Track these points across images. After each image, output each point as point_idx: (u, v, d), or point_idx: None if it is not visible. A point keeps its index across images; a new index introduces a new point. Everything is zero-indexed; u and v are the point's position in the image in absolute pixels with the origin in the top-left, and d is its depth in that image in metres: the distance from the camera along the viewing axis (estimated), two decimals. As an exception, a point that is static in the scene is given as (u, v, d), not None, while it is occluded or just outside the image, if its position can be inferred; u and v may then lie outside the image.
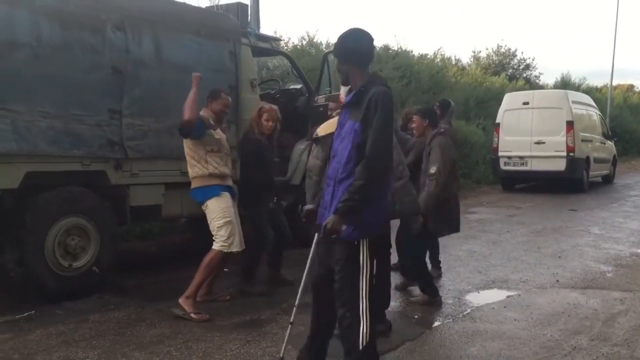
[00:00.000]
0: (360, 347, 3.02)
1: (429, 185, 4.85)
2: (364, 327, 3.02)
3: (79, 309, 4.84)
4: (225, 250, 4.74)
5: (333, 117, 6.14)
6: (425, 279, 5.15)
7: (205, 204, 4.80)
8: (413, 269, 5.27)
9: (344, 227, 2.96)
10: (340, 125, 3.15)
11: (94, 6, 5.18)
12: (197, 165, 4.80)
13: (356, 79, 3.10)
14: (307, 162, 5.48)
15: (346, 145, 3.03)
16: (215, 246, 4.75)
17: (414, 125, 5.31)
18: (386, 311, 4.48)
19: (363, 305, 3.02)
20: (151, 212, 5.82)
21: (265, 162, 5.44)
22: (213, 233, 4.78)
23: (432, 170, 4.87)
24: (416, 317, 4.81)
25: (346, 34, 3.13)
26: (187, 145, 4.84)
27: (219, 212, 4.74)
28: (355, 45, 3.11)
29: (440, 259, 6.09)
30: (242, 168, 5.57)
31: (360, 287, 3.03)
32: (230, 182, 4.99)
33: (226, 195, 4.83)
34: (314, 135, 4.29)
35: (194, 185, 4.87)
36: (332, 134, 4.04)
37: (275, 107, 5.62)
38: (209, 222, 4.80)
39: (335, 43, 3.15)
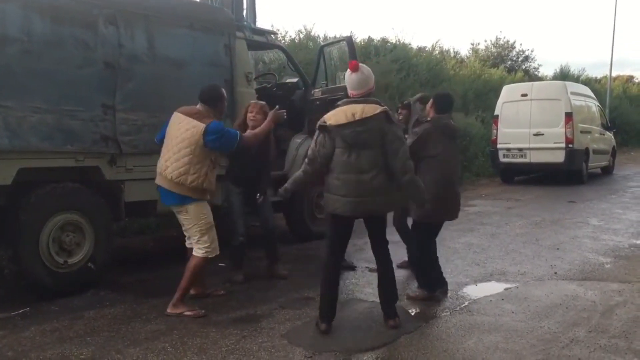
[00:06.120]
0: None
1: None
2: None
3: (74, 306, 4.82)
4: (210, 256, 4.64)
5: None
6: (424, 273, 5.11)
7: (184, 208, 4.57)
8: (417, 261, 5.27)
9: None
10: None
11: (85, 0, 5.12)
12: (196, 175, 4.46)
13: None
14: (304, 154, 5.41)
15: None
16: (199, 253, 4.60)
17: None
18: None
19: None
20: (146, 207, 5.78)
21: (236, 154, 5.39)
22: (194, 238, 4.61)
23: None
24: (413, 310, 4.79)
25: None
26: (196, 152, 4.44)
27: (202, 218, 4.57)
28: None
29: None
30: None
31: None
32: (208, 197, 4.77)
33: (206, 201, 4.67)
34: (321, 123, 4.14)
35: (176, 190, 4.49)
36: (342, 125, 4.04)
37: (263, 102, 5.62)
38: (187, 226, 4.63)
39: None
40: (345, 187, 4.08)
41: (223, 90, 4.84)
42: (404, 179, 4.13)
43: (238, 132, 4.71)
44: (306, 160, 4.29)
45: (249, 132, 5.09)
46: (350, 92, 4.25)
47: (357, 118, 4.02)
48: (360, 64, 4.25)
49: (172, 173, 4.48)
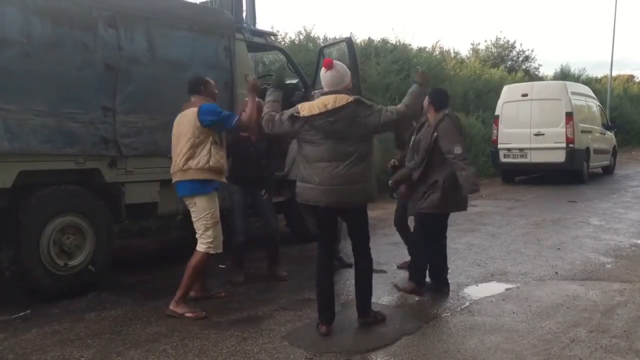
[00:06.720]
0: None
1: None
2: None
3: (74, 308, 4.82)
4: (212, 252, 4.67)
5: None
6: (417, 262, 5.14)
7: (193, 200, 4.64)
8: (413, 252, 5.30)
9: None
10: None
11: (85, 3, 5.12)
12: (199, 157, 4.55)
13: None
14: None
15: None
16: (201, 248, 4.63)
17: None
18: (383, 305, 4.44)
19: None
20: (147, 209, 5.79)
21: (236, 155, 5.42)
22: (198, 232, 4.65)
23: (458, 150, 4.87)
24: (414, 311, 4.78)
25: None
26: (195, 133, 4.55)
27: (209, 213, 4.61)
28: None
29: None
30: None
31: None
32: (223, 178, 4.87)
33: (215, 195, 4.72)
34: (294, 113, 4.12)
35: (186, 177, 4.59)
36: (315, 115, 4.04)
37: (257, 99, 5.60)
38: (194, 219, 4.67)
39: None
40: (319, 175, 4.09)
41: (204, 77, 4.88)
42: (409, 113, 4.29)
43: (234, 113, 4.69)
44: (266, 116, 4.27)
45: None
46: (326, 90, 4.25)
47: (329, 108, 4.03)
48: (335, 62, 4.21)
49: (179, 163, 4.60)
